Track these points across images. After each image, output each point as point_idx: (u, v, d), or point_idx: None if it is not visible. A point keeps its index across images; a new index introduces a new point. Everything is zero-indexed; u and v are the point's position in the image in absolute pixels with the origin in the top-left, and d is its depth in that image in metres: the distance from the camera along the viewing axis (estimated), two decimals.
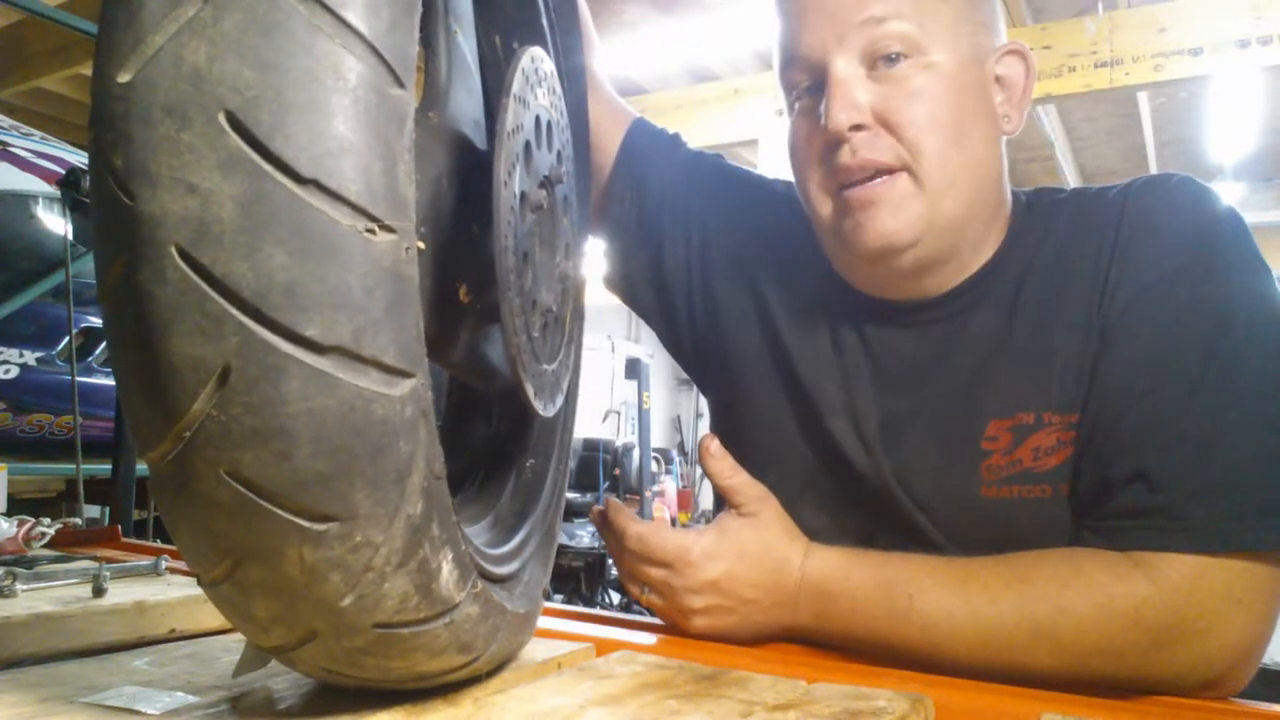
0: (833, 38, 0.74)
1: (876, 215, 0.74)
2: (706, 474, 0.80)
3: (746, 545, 0.75)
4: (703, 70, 5.37)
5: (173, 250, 0.34)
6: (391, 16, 0.36)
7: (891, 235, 0.74)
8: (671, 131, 1.05)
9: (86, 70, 4.68)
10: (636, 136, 1.02)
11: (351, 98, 0.35)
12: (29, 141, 2.94)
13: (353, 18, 0.35)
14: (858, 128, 0.73)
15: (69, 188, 1.99)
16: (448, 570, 0.42)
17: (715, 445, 0.80)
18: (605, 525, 0.80)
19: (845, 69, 0.74)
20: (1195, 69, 4.06)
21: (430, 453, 0.40)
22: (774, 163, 4.94)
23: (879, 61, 0.74)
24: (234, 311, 0.34)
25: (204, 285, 0.34)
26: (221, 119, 0.33)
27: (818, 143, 0.77)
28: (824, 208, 0.78)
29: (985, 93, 0.78)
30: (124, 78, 0.34)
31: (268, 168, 0.33)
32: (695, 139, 1.06)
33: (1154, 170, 6.60)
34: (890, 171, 0.74)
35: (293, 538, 0.37)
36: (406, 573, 0.40)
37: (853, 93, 0.73)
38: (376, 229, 0.36)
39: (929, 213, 0.74)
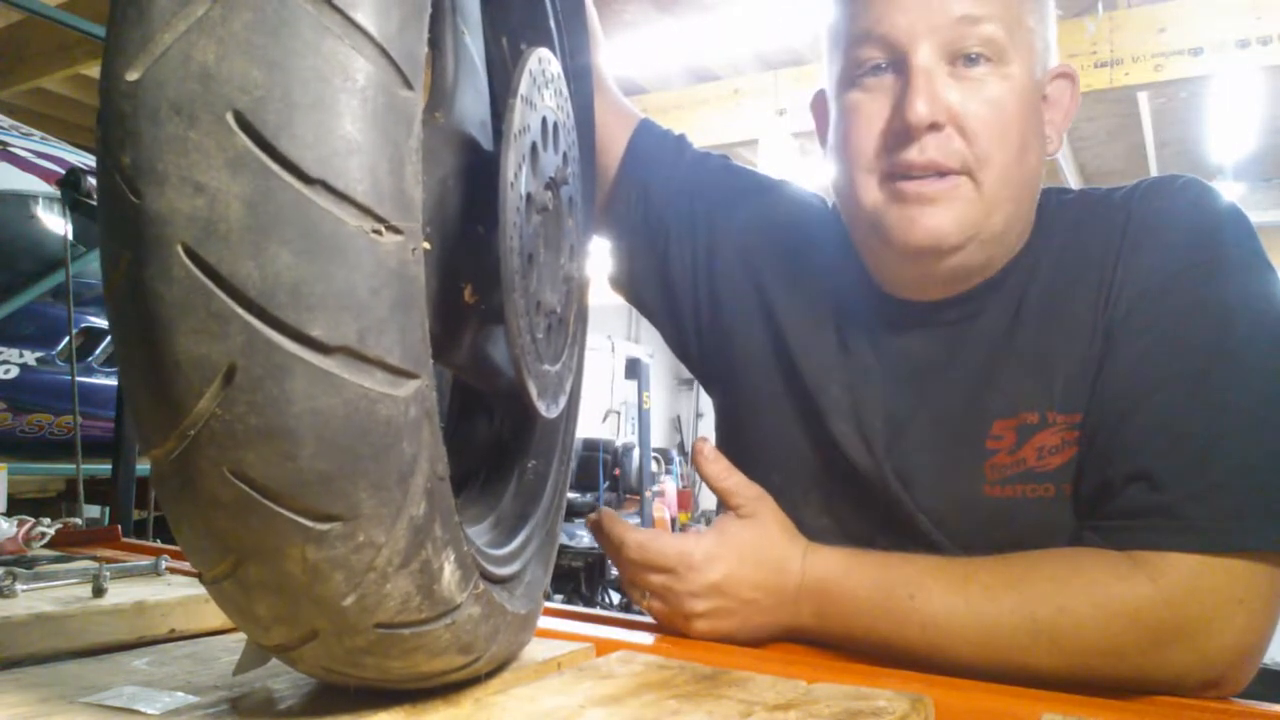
0: (924, 25, 0.72)
1: (933, 212, 0.73)
2: (701, 476, 0.80)
3: (746, 546, 0.75)
4: (703, 70, 5.37)
5: (179, 249, 0.34)
6: (401, 17, 0.36)
7: (943, 235, 0.73)
8: (677, 133, 1.06)
9: (87, 70, 4.68)
10: (642, 138, 1.02)
11: (359, 98, 0.35)
12: (29, 141, 2.94)
13: (361, 18, 0.35)
14: (934, 126, 0.72)
15: (69, 188, 1.99)
16: (450, 571, 0.42)
17: (708, 448, 0.79)
18: (601, 534, 0.80)
19: (930, 60, 0.73)
20: (1195, 69, 4.07)
21: (434, 454, 0.40)
22: (774, 163, 4.94)
23: (959, 59, 0.73)
24: (239, 311, 0.34)
25: (210, 284, 0.34)
26: (229, 118, 0.33)
27: (883, 127, 0.75)
28: (870, 193, 0.76)
29: (1039, 111, 0.77)
30: (132, 76, 0.34)
31: (275, 167, 0.34)
32: (695, 139, 1.06)
33: (1154, 170, 6.60)
34: (953, 174, 0.73)
35: (295, 537, 0.37)
36: (409, 573, 0.40)
37: (938, 87, 0.72)
38: (383, 229, 0.36)
39: (981, 222, 0.74)
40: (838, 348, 0.85)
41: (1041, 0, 0.77)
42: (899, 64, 0.74)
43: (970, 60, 0.73)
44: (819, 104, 0.88)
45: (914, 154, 0.73)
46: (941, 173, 0.73)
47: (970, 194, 0.73)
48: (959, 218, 0.73)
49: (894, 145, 0.74)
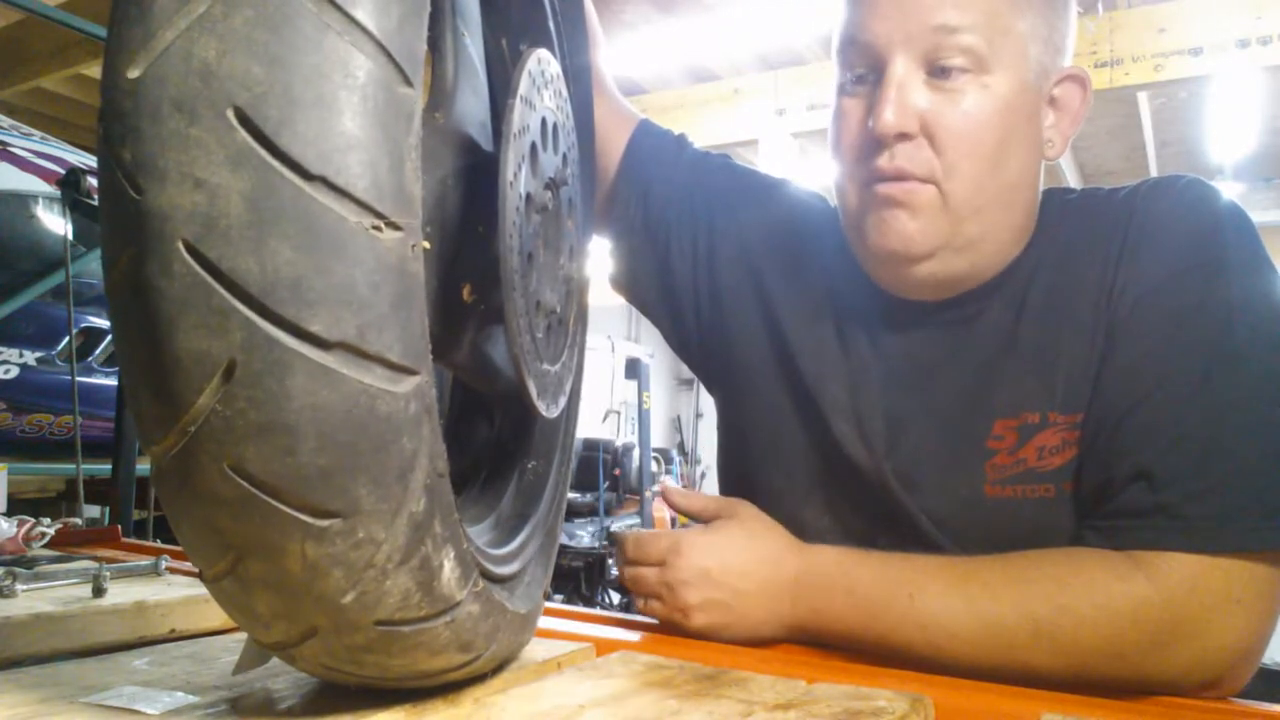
0: (901, 34, 0.73)
1: (898, 216, 0.74)
2: (672, 509, 0.85)
3: (737, 538, 0.77)
4: (703, 70, 5.37)
5: (180, 245, 0.34)
6: (400, 15, 0.36)
7: (908, 240, 0.74)
8: (677, 132, 1.06)
9: (86, 70, 4.69)
10: (642, 138, 1.02)
11: (359, 95, 0.35)
12: (29, 141, 2.94)
13: (362, 15, 0.35)
14: (903, 136, 0.73)
15: (69, 188, 1.99)
16: (449, 568, 0.43)
17: (670, 488, 0.87)
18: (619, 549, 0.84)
19: (904, 70, 0.73)
20: (1195, 69, 4.07)
21: (433, 450, 0.40)
22: (774, 163, 4.94)
23: (937, 69, 0.73)
24: (240, 306, 0.34)
25: (210, 280, 0.34)
26: (230, 114, 0.33)
27: (859, 134, 0.76)
28: (852, 198, 0.78)
29: (1034, 117, 0.77)
30: (134, 73, 0.34)
31: (275, 163, 0.34)
32: (695, 139, 1.06)
33: (1154, 170, 6.60)
34: (920, 181, 0.74)
35: (295, 533, 0.37)
36: (408, 570, 0.40)
37: (907, 98, 0.72)
38: (383, 226, 0.36)
39: (949, 232, 0.74)
40: (838, 347, 0.85)
41: (1046, 4, 0.76)
42: (877, 72, 0.75)
43: (944, 71, 0.73)
44: None
45: (883, 161, 0.74)
46: (909, 179, 0.74)
47: (934, 202, 0.74)
48: (924, 225, 0.74)
49: (868, 153, 0.75)
